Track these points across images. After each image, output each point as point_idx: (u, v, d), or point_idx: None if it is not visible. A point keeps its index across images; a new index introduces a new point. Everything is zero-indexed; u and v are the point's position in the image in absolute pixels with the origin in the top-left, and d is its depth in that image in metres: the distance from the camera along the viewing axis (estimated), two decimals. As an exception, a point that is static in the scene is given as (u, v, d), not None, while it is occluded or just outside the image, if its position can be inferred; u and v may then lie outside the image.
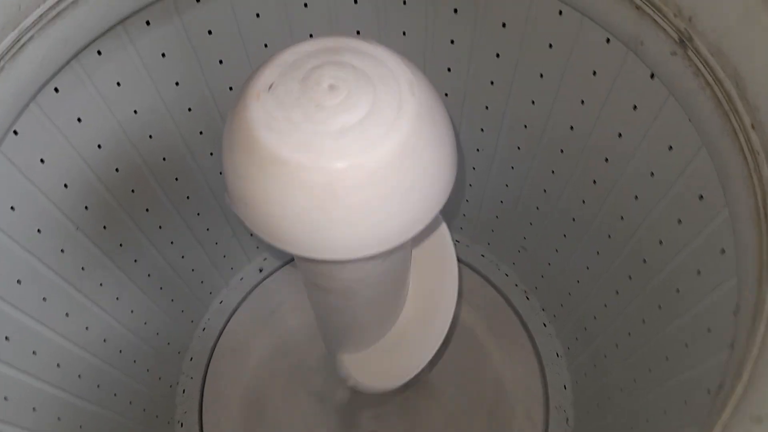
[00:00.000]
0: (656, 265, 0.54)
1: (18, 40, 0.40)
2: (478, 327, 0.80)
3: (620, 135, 0.53)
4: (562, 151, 0.61)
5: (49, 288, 0.53)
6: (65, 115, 0.51)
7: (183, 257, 0.73)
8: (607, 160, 0.56)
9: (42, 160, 0.50)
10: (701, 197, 0.45)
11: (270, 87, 0.33)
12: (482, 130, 0.68)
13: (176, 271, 0.73)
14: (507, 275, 0.83)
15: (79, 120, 0.52)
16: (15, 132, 0.46)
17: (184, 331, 0.80)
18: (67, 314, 0.56)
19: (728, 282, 0.42)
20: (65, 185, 0.53)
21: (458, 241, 0.86)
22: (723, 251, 0.43)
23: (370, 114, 0.32)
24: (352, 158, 0.31)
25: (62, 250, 0.54)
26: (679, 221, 0.49)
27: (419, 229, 0.35)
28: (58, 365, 0.54)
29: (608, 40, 0.47)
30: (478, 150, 0.71)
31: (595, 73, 0.51)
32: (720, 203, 0.42)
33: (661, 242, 0.52)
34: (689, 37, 0.38)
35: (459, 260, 0.85)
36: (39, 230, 0.51)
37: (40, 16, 0.41)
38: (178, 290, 0.75)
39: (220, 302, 0.84)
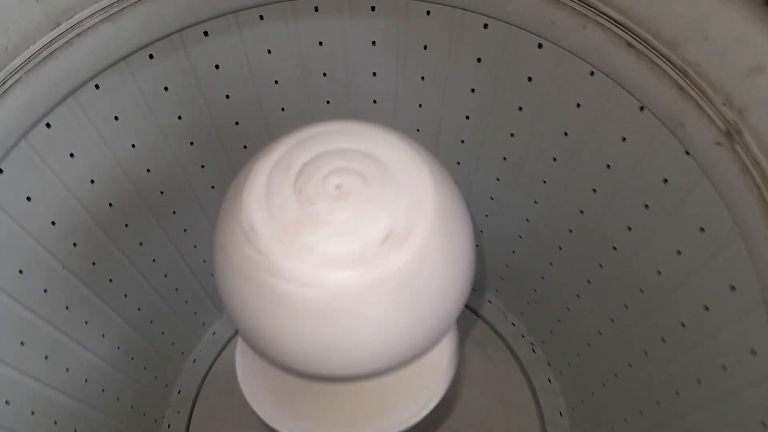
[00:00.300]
0: (674, 348, 0.50)
1: (2, 84, 0.37)
2: (478, 375, 0.77)
3: (646, 206, 0.49)
4: (582, 212, 0.57)
5: (28, 331, 0.50)
6: (57, 151, 0.48)
7: (176, 290, 0.70)
8: (630, 228, 0.53)
9: (28, 198, 0.47)
10: (733, 288, 0.42)
11: (266, 201, 0.30)
12: (498, 179, 0.64)
13: (168, 303, 0.70)
14: (514, 324, 0.80)
15: (71, 155, 0.49)
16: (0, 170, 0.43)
17: (173, 363, 0.77)
18: (46, 357, 0.52)
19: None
20: (53, 223, 0.50)
21: (490, 302, 0.82)
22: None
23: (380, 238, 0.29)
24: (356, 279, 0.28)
25: (45, 290, 0.51)
26: (706, 308, 0.45)
27: (437, 341, 0.32)
28: (32, 413, 0.51)
29: (641, 108, 0.44)
30: (492, 198, 0.67)
31: (624, 139, 0.48)
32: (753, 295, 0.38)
33: (683, 325, 0.49)
34: (738, 129, 0.34)
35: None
36: (21, 271, 0.48)
37: (30, 57, 0.38)
38: (169, 323, 0.72)
39: (213, 333, 0.81)
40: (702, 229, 0.44)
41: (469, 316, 0.82)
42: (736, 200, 0.37)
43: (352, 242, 0.30)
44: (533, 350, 0.78)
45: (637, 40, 0.38)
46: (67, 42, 0.39)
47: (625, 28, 0.39)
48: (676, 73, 0.37)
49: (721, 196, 0.39)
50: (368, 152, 0.33)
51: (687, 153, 0.41)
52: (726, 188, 0.37)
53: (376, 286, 0.29)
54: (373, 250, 0.29)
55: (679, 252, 0.48)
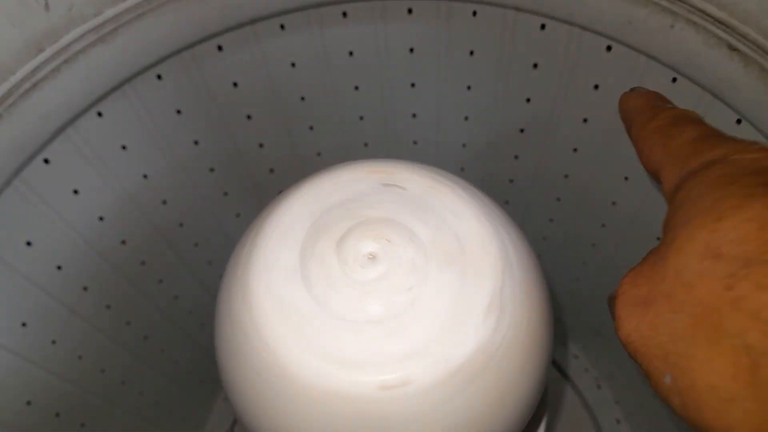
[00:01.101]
0: None
1: (-26, 125, 0.31)
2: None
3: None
4: (658, 238, 0.49)
5: (35, 388, 0.45)
6: (58, 189, 0.42)
7: (203, 325, 0.64)
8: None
9: (29, 243, 0.42)
10: None
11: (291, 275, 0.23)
12: (558, 199, 0.56)
13: (195, 341, 0.64)
14: (576, 357, 0.72)
15: (75, 192, 0.44)
16: (-9, 216, 0.38)
17: (201, 402, 0.72)
18: (57, 414, 0.47)
19: None
20: (58, 267, 0.45)
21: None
22: None
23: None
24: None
25: (54, 341, 0.46)
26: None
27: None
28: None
29: (738, 121, 0.36)
30: (551, 220, 0.59)
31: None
32: None
33: None
34: None
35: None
36: (24, 323, 0.43)
37: (10, 91, 0.32)
38: (195, 362, 0.67)
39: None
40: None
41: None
42: None
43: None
44: (598, 386, 0.70)
45: (744, 43, 0.30)
46: (53, 70, 0.34)
47: (727, 26, 0.31)
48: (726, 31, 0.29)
49: None
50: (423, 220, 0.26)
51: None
52: None
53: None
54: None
55: None
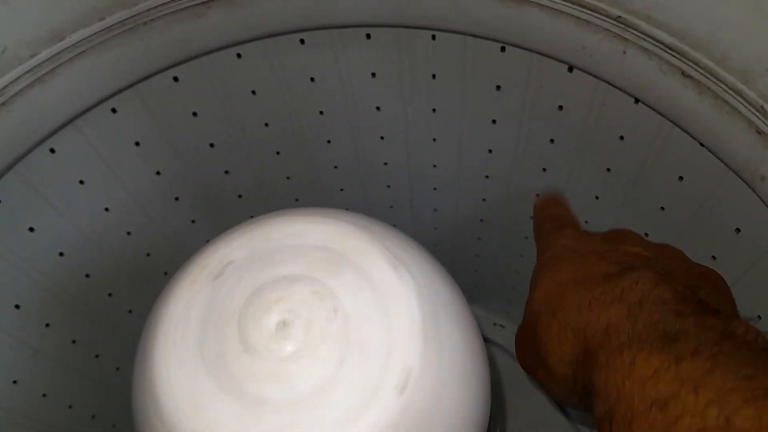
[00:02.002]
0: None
1: None
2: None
3: (714, 258, 0.40)
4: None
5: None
6: (11, 228, 0.42)
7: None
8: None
9: (-18, 284, 0.41)
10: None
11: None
12: (531, 218, 0.55)
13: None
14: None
15: (31, 230, 0.43)
16: (-63, 261, 0.37)
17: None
18: (22, 455, 0.47)
19: None
20: (16, 306, 0.44)
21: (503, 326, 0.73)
22: None
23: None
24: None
25: (15, 381, 0.45)
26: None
27: None
28: None
29: (702, 144, 0.34)
30: (526, 237, 0.58)
31: (681, 178, 0.39)
32: None
33: None
34: None
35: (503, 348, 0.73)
36: (-19, 365, 0.42)
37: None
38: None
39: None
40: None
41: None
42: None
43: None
44: None
45: (697, 70, 0.29)
46: (-10, 111, 0.33)
47: (679, 53, 0.30)
48: (753, 113, 0.28)
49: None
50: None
51: (768, 207, 0.32)
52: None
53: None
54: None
55: (759, 317, 0.38)
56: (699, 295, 0.28)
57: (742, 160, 0.30)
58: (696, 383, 0.22)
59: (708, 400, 0.21)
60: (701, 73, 0.29)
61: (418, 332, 0.24)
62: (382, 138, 0.52)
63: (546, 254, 0.36)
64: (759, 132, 0.28)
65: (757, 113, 0.28)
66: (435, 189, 0.57)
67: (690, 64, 0.29)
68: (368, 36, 0.43)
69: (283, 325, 0.24)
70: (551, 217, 0.42)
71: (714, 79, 0.29)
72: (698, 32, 0.28)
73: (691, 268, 0.32)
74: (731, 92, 0.28)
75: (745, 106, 0.28)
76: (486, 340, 0.72)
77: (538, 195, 0.40)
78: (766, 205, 0.31)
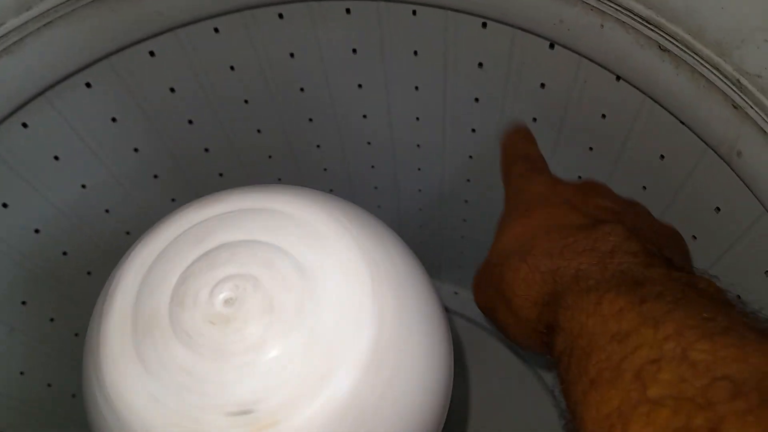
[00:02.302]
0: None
1: None
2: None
3: (694, 237, 0.40)
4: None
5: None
6: (-16, 203, 0.41)
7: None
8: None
9: (-45, 260, 0.41)
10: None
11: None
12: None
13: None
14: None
15: (4, 206, 0.42)
16: None
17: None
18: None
19: None
20: (-8, 283, 0.44)
21: (456, 293, 0.73)
22: None
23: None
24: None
25: (-9, 359, 0.45)
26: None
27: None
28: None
29: (682, 122, 0.34)
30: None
31: (663, 157, 0.38)
32: None
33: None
34: (820, 167, 0.24)
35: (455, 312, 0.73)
36: (-45, 342, 0.42)
37: None
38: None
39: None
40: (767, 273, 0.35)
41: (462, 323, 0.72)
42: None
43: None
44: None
45: (674, 43, 0.29)
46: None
47: (655, 26, 0.29)
48: (729, 87, 0.27)
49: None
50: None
51: (745, 185, 0.31)
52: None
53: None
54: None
55: (738, 297, 0.38)
56: (664, 252, 0.29)
57: (719, 135, 0.29)
58: (657, 320, 0.23)
59: (666, 334, 0.22)
60: (678, 47, 0.29)
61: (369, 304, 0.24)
62: (364, 117, 0.52)
63: (517, 198, 0.37)
64: (735, 106, 0.27)
65: (732, 87, 0.27)
66: (419, 169, 0.57)
67: (667, 37, 0.29)
68: (348, 11, 0.42)
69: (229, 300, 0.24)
70: (522, 157, 0.41)
71: (690, 53, 0.28)
72: (674, 4, 0.28)
73: (657, 226, 0.34)
74: (707, 65, 0.28)
75: (722, 80, 0.28)
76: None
77: (505, 129, 0.40)
78: (742, 181, 0.30)
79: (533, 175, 0.38)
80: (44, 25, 0.34)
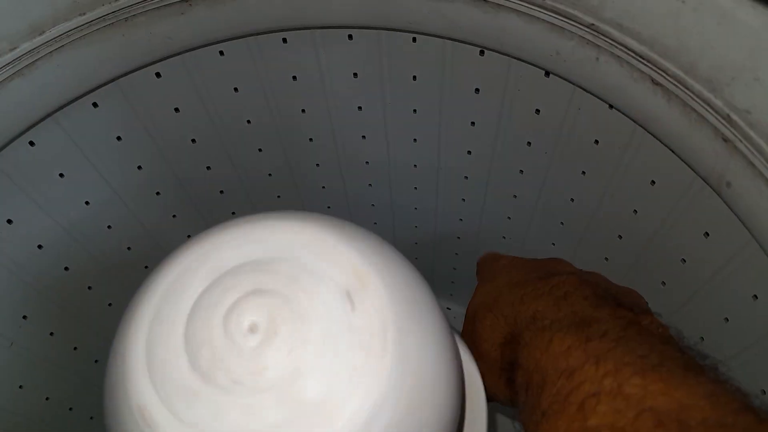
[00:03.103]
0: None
1: None
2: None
3: (683, 261, 0.41)
4: (606, 259, 0.49)
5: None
6: (-11, 220, 0.42)
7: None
8: (664, 283, 0.44)
9: (-41, 275, 0.41)
10: None
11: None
12: (509, 218, 0.56)
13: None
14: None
15: (9, 222, 0.43)
16: None
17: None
18: (-3, 446, 0.47)
19: None
20: (-6, 298, 0.44)
21: (449, 309, 0.74)
22: None
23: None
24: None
25: (-9, 373, 0.45)
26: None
27: None
28: None
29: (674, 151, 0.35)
30: (504, 237, 0.59)
31: (654, 183, 0.39)
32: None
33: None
34: (804, 200, 0.26)
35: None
36: (-44, 357, 0.42)
37: None
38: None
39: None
40: (755, 297, 0.36)
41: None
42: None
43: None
44: None
45: (666, 78, 0.30)
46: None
47: (648, 61, 0.31)
48: (719, 121, 0.29)
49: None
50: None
51: (734, 213, 0.33)
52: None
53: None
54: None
55: (726, 320, 0.39)
56: (617, 298, 0.31)
57: (708, 166, 0.31)
58: (598, 358, 0.25)
59: (606, 371, 0.25)
60: (670, 81, 0.30)
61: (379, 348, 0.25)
62: (363, 137, 0.53)
63: (485, 271, 0.42)
64: (725, 139, 0.29)
65: (723, 121, 0.28)
66: (415, 188, 0.58)
67: (659, 72, 0.30)
68: (350, 37, 0.44)
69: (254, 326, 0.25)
70: (492, 255, 0.46)
71: (682, 87, 0.30)
72: (667, 41, 0.29)
73: (615, 287, 0.37)
74: (698, 100, 0.29)
75: (712, 114, 0.29)
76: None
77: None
78: (731, 210, 0.32)
79: (500, 256, 0.43)
80: (56, 49, 0.35)
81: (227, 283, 0.25)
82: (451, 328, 0.32)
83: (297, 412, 0.23)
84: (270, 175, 0.56)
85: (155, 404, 0.24)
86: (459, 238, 0.63)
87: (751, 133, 0.27)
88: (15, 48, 0.33)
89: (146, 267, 0.56)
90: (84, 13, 0.34)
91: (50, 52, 0.34)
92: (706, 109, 0.29)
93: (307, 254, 0.26)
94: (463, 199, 0.57)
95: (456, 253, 0.65)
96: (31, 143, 0.41)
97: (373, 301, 0.25)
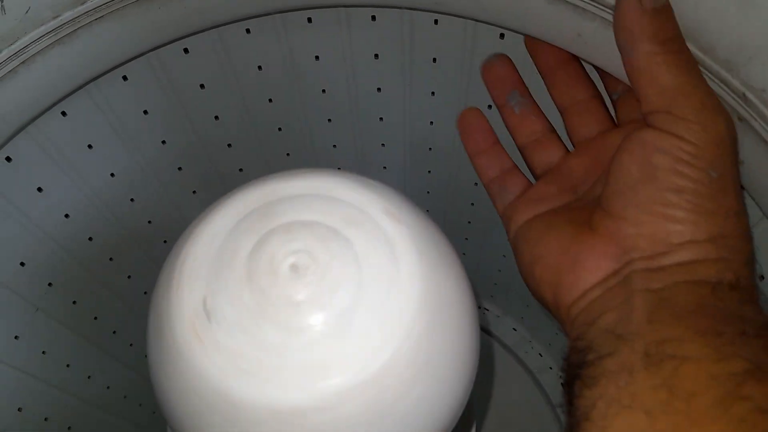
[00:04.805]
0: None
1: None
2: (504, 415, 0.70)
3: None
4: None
5: (-2, 383, 0.46)
6: (21, 187, 0.43)
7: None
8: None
9: (-9, 239, 0.42)
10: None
11: (206, 308, 0.24)
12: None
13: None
14: (541, 355, 0.73)
15: (39, 190, 0.44)
16: (-49, 213, 0.39)
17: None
18: (20, 409, 0.48)
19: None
20: (21, 263, 0.45)
21: (487, 309, 0.76)
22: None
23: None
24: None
25: (16, 337, 0.46)
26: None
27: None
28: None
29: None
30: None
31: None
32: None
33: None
34: None
35: (486, 331, 0.76)
36: (-15, 318, 0.44)
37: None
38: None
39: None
40: (761, 277, 0.37)
41: (493, 345, 0.75)
42: None
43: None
44: (540, 354, 0.72)
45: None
46: (11, 71, 0.34)
47: (669, 42, 0.32)
48: (736, 100, 0.30)
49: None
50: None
51: (746, 191, 0.34)
52: None
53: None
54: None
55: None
56: None
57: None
58: None
59: None
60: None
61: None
62: (381, 119, 0.54)
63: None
64: (740, 119, 0.30)
65: (739, 100, 0.30)
66: (429, 172, 0.59)
67: (680, 52, 0.31)
68: (373, 18, 0.45)
69: (296, 268, 0.26)
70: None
71: (701, 68, 0.31)
72: (688, 24, 0.30)
73: None
74: (716, 81, 0.30)
75: (729, 94, 0.30)
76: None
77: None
78: (743, 187, 0.33)
79: None
80: (95, 19, 0.36)
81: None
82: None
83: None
84: (288, 154, 0.57)
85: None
86: (469, 222, 0.64)
87: (766, 111, 0.29)
88: (58, 16, 0.34)
89: (165, 241, 0.58)
90: (123, -15, 0.35)
91: (90, 22, 0.35)
92: (723, 89, 0.30)
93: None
94: (476, 183, 0.58)
95: (466, 238, 0.66)
96: (63, 113, 0.42)
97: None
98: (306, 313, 0.26)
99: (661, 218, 0.29)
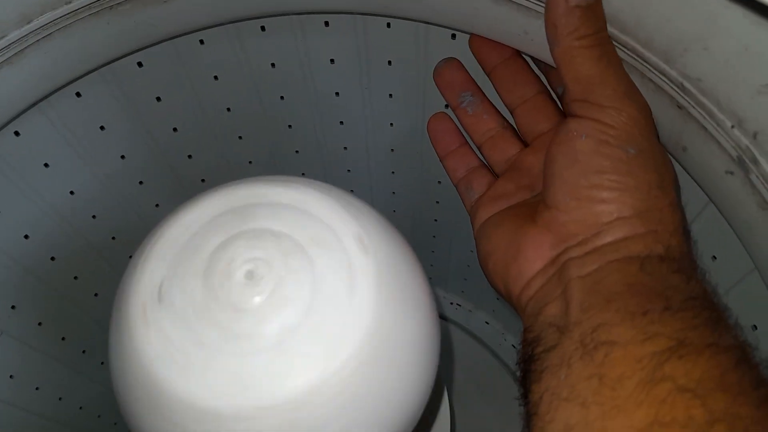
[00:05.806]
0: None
1: None
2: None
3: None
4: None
5: (-36, 409, 0.45)
6: (-23, 209, 0.42)
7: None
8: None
9: (-52, 265, 0.42)
10: (755, 327, 0.36)
11: (160, 291, 0.24)
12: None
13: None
14: (514, 347, 0.74)
15: (-4, 211, 0.44)
16: None
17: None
18: (-11, 435, 0.47)
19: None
20: (-18, 287, 0.45)
21: (459, 305, 0.76)
22: None
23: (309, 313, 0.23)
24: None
25: (-19, 362, 0.46)
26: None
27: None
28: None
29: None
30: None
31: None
32: None
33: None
34: (754, 158, 0.28)
35: (461, 327, 0.77)
36: (-53, 346, 0.43)
37: None
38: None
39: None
40: (714, 258, 0.39)
41: (465, 338, 0.76)
42: (752, 236, 0.31)
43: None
44: (513, 346, 0.73)
45: (625, 52, 0.32)
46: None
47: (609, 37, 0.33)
48: (674, 90, 0.31)
49: (733, 229, 0.33)
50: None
51: (692, 178, 0.35)
52: (740, 222, 0.31)
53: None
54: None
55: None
56: None
57: (666, 133, 0.33)
58: None
59: None
60: (629, 55, 0.32)
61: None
62: (341, 123, 0.54)
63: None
64: (679, 106, 0.31)
65: (677, 89, 0.31)
66: (393, 173, 0.60)
67: (619, 46, 0.32)
68: (326, 23, 0.45)
69: (251, 275, 0.26)
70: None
71: (640, 60, 0.32)
72: (625, 18, 0.31)
73: None
74: (655, 72, 0.32)
75: (667, 83, 0.31)
76: (442, 318, 0.75)
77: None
78: (688, 173, 0.34)
79: None
80: (43, 37, 0.36)
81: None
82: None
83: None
84: (250, 162, 0.57)
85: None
86: (436, 220, 0.65)
87: (703, 99, 0.30)
88: (4, 36, 0.34)
89: (130, 257, 0.57)
90: (70, 2, 0.35)
91: (38, 40, 0.35)
92: (662, 80, 0.31)
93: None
94: (439, 182, 0.59)
95: (433, 236, 0.67)
96: (17, 133, 0.42)
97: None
98: (247, 322, 0.26)
99: (588, 201, 0.31)
